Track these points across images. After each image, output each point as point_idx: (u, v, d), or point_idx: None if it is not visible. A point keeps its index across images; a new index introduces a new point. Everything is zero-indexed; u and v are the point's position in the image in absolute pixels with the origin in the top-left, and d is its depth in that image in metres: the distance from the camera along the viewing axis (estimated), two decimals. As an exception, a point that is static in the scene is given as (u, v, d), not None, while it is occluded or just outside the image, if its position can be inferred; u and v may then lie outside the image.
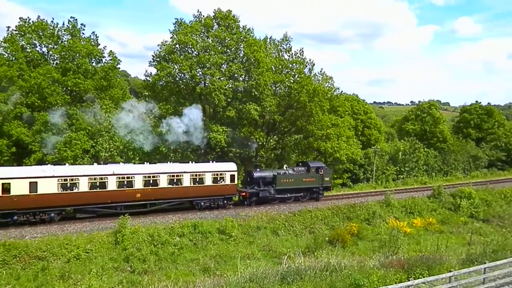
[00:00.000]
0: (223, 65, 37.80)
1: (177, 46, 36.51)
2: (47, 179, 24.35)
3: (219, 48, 37.52)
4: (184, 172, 29.20)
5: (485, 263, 14.29)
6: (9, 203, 23.12)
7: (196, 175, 29.73)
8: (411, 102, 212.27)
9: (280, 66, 41.81)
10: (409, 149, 54.55)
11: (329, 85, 45.28)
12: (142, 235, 23.92)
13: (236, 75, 37.86)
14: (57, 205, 25.00)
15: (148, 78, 38.62)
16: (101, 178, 26.21)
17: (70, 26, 36.30)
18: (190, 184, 29.36)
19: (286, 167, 36.05)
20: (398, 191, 41.97)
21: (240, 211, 30.49)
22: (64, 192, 25.08)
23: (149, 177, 27.89)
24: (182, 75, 37.15)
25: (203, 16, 38.65)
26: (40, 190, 24.05)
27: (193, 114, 33.45)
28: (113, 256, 22.31)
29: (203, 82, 37.38)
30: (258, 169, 33.65)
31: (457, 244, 26.50)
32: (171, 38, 37.11)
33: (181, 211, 29.47)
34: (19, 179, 23.55)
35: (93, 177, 25.99)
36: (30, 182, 23.78)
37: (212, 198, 30.39)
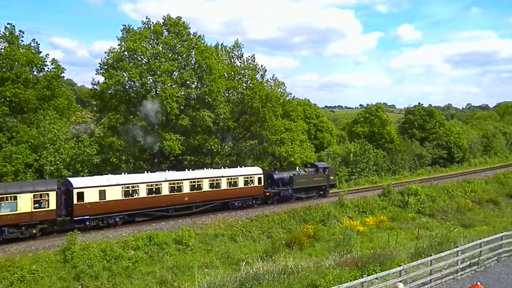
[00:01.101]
0: (175, 72, 37.30)
1: (126, 53, 35.58)
2: (113, 187, 26.74)
3: (170, 55, 36.99)
4: (222, 177, 32.28)
5: (431, 255, 15.11)
6: (83, 209, 25.49)
7: (231, 179, 32.83)
8: (360, 105, 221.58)
9: (232, 73, 42.00)
10: (360, 150, 56.65)
11: (281, 91, 46.10)
12: (94, 251, 22.84)
13: (188, 82, 37.52)
14: (121, 210, 27.35)
15: (95, 86, 37.19)
16: (156, 185, 28.75)
17: (7, 33, 34.08)
18: (227, 187, 32.53)
19: (298, 169, 39.20)
20: (350, 191, 43.40)
21: (197, 219, 30.06)
22: (127, 198, 27.42)
23: (194, 182, 30.70)
24: (132, 83, 36.22)
25: (152, 22, 37.97)
26: (108, 197, 26.45)
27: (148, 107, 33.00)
28: (62, 276, 21.09)
29: (154, 89, 36.62)
30: (276, 172, 36.78)
31: (406, 239, 27.79)
32: (119, 45, 36.04)
33: (214, 212, 31.94)
34: (91, 188, 25.87)
35: (150, 183, 28.49)
36: (99, 190, 26.13)
37: (243, 199, 33.62)
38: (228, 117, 40.11)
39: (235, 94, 42.65)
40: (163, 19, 37.90)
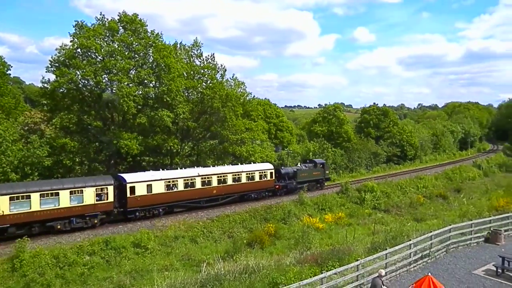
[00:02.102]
0: (132, 71, 36.21)
1: (79, 50, 34.01)
2: (158, 181, 29.93)
3: (126, 53, 35.85)
4: (242, 172, 36.13)
5: (386, 249, 15.73)
6: (135, 202, 28.71)
7: (249, 173, 36.64)
8: (319, 105, 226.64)
9: (191, 72, 41.45)
10: (319, 149, 57.95)
11: (241, 90, 46.07)
12: (45, 258, 21.67)
13: (146, 81, 36.57)
14: (163, 202, 30.53)
15: (45, 85, 35.19)
16: (191, 179, 32.14)
17: None
18: (246, 181, 36.31)
19: (300, 164, 44.64)
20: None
21: (157, 221, 29.39)
22: (168, 191, 30.57)
23: (221, 176, 34.17)
24: (86, 82, 34.66)
25: (107, 19, 36.59)
26: (154, 191, 29.63)
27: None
28: (10, 286, 19.84)
29: (109, 88, 35.38)
30: (283, 167, 42.26)
31: (363, 235, 28.73)
32: (71, 41, 34.36)
33: (233, 204, 34.84)
34: (141, 183, 29.02)
35: (186, 178, 31.81)
36: (147, 185, 29.28)
37: (259, 191, 37.59)
38: (187, 117, 39.56)
39: (195, 93, 42.13)
40: (118, 16, 36.63)
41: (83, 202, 26.10)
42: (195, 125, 41.29)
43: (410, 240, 16.48)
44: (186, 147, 44.29)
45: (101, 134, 34.74)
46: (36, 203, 24.08)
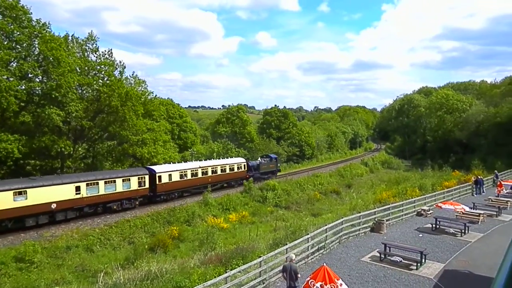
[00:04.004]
0: (12, 63, 32.10)
1: None
2: (175, 172, 37.46)
3: (6, 42, 31.69)
4: (227, 164, 45.19)
5: (286, 244, 16.50)
6: (160, 188, 35.77)
7: (231, 165, 45.77)
8: (223, 106, 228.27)
9: (86, 68, 38.39)
10: (223, 149, 58.53)
11: (142, 89, 44.25)
12: None
13: (30, 75, 32.76)
14: (178, 188, 38.26)
15: None
16: (196, 170, 40.09)
17: None
18: (229, 171, 45.14)
19: (260, 159, 54.08)
20: (214, 190, 44.42)
21: (45, 231, 26.50)
22: (181, 180, 38.25)
23: (214, 168, 42.84)
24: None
25: (-20, 2, 31.87)
26: (173, 179, 37.19)
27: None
28: None
29: (-16, 82, 30.83)
30: (250, 161, 51.10)
31: (266, 232, 29.75)
32: None
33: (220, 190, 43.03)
34: (164, 172, 36.33)
35: (192, 169, 39.63)
36: (169, 174, 36.67)
37: (237, 179, 46.42)
38: (81, 116, 36.52)
39: (90, 91, 39.11)
40: (-5, -1, 32.20)
41: (130, 188, 33.02)
42: (90, 124, 38.29)
43: (308, 234, 17.55)
44: (80, 149, 40.79)
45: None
46: (102, 188, 30.60)
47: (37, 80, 33.50)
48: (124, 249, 26.85)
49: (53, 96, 32.55)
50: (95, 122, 39.50)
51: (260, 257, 14.67)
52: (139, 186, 33.67)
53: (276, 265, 15.19)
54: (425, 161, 71.92)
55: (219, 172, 43.38)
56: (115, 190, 31.66)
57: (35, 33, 33.40)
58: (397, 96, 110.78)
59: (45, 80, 33.53)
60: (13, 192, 25.28)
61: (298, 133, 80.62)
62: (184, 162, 43.68)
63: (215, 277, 14.33)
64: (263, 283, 14.32)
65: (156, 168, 36.30)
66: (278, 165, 56.81)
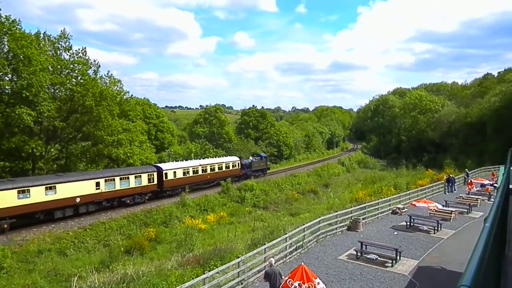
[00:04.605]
0: (-21, 61, 30.89)
1: None
2: (179, 169, 40.79)
3: (-28, 39, 30.47)
4: (223, 162, 48.50)
5: (265, 244, 16.57)
6: (167, 184, 39.30)
7: (227, 163, 49.11)
8: (200, 106, 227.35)
9: (59, 66, 37.36)
10: (200, 150, 58.17)
11: (118, 88, 43.41)
12: None
13: (-1, 73, 31.60)
14: (182, 184, 40.60)
15: None
16: (196, 168, 43.25)
17: None
18: (225, 169, 48.45)
19: (251, 158, 56.84)
20: (192, 191, 44.15)
21: (15, 235, 25.61)
22: (184, 176, 41.23)
23: (212, 166, 46.21)
24: None
25: None
26: (177, 176, 40.37)
27: None
28: None
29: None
30: (243, 160, 53.60)
31: (244, 232, 29.74)
32: None
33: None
34: (170, 170, 39.75)
35: (193, 167, 42.91)
36: (173, 171, 39.93)
37: (232, 176, 48.84)
38: (54, 116, 35.50)
39: (63, 90, 38.06)
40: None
41: (141, 184, 35.99)
42: (63, 125, 37.27)
43: (286, 233, 17.67)
44: (52, 150, 39.64)
45: None
46: (118, 184, 33.63)
47: (6, 78, 32.35)
48: (99, 252, 26.29)
49: (24, 95, 31.52)
50: (68, 122, 38.50)
51: (238, 257, 14.67)
52: (148, 183, 36.80)
53: (254, 265, 15.22)
54: (400, 160, 73.71)
55: (216, 170, 47.02)
56: (128, 185, 34.93)
57: (4, 30, 32.24)
58: (373, 97, 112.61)
59: (15, 79, 32.42)
60: (45, 187, 28.02)
61: (276, 133, 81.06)
62: (181, 161, 47.32)
63: (193, 278, 14.23)
64: (242, 284, 14.32)
65: (163, 165, 40.45)
66: (268, 163, 61.01)
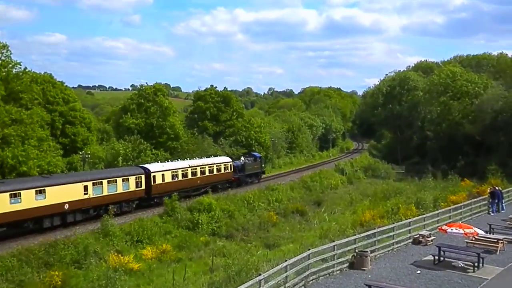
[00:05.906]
0: None
1: None
2: (167, 171, 48.49)
3: None
4: (214, 164, 55.72)
5: (228, 291, 16.44)
6: (155, 190, 46.68)
7: (219, 165, 56.62)
8: (132, 86, 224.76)
9: None
10: (132, 152, 57.35)
11: (3, 58, 42.45)
12: None
13: None
14: (170, 191, 47.17)
15: None
16: (185, 170, 51.25)
17: None
18: (216, 172, 55.79)
19: (243, 158, 62.83)
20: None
21: None
22: (173, 181, 49.23)
23: (202, 168, 53.80)
24: None
25: None
26: (166, 180, 48.12)
27: None
28: None
29: None
30: (235, 161, 59.99)
31: (198, 273, 29.57)
32: None
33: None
34: (158, 172, 47.38)
35: (182, 169, 51.03)
36: (162, 174, 47.68)
37: (222, 182, 56.69)
38: None
39: None
40: None
41: (129, 189, 42.86)
42: None
43: (260, 275, 17.58)
44: None
45: None
46: (105, 188, 40.48)
47: None
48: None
49: None
50: None
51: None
52: (136, 187, 43.68)
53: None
54: (424, 166, 75.26)
55: (207, 173, 54.05)
56: (116, 190, 41.57)
57: None
58: (386, 75, 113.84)
59: None
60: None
61: (245, 127, 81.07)
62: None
63: None
64: None
65: (151, 166, 47.67)
66: (263, 165, 67.10)
